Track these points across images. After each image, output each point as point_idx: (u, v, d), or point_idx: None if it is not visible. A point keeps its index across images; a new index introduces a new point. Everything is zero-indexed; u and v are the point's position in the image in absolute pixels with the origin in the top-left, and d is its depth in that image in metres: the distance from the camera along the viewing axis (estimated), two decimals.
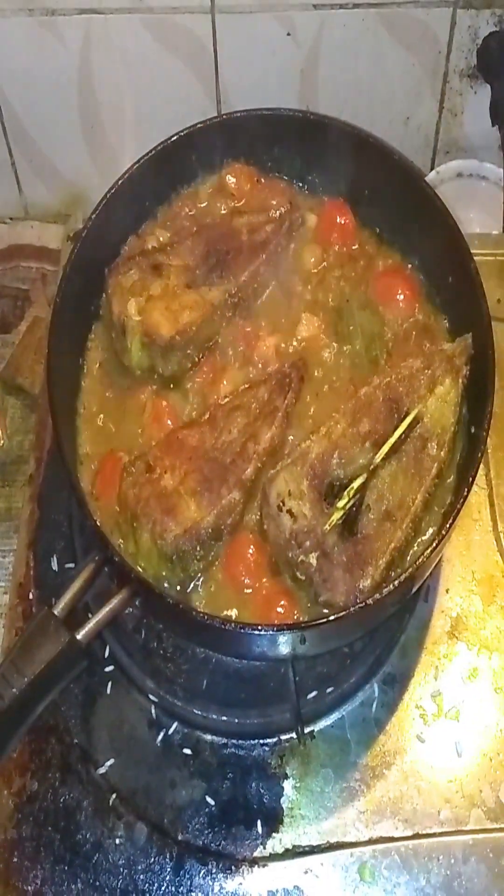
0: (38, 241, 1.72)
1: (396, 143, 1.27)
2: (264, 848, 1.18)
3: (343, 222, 1.30)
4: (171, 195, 1.31)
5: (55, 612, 1.03)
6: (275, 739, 1.23)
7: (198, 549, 1.09)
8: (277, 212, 1.26)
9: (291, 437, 1.16)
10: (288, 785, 1.21)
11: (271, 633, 1.02)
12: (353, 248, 1.29)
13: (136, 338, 1.18)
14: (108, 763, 1.23)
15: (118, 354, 1.21)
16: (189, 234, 1.25)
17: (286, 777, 1.21)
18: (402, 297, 1.24)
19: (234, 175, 1.30)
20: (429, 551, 1.05)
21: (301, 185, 1.33)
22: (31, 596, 1.33)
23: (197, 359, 1.21)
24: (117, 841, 1.19)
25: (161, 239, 1.26)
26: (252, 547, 1.12)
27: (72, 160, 1.68)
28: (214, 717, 1.24)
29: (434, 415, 1.13)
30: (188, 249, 1.23)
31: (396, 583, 1.02)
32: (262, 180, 1.31)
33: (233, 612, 1.10)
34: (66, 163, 1.69)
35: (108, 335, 1.24)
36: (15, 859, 1.19)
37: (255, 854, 1.18)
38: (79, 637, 1.02)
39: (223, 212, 1.29)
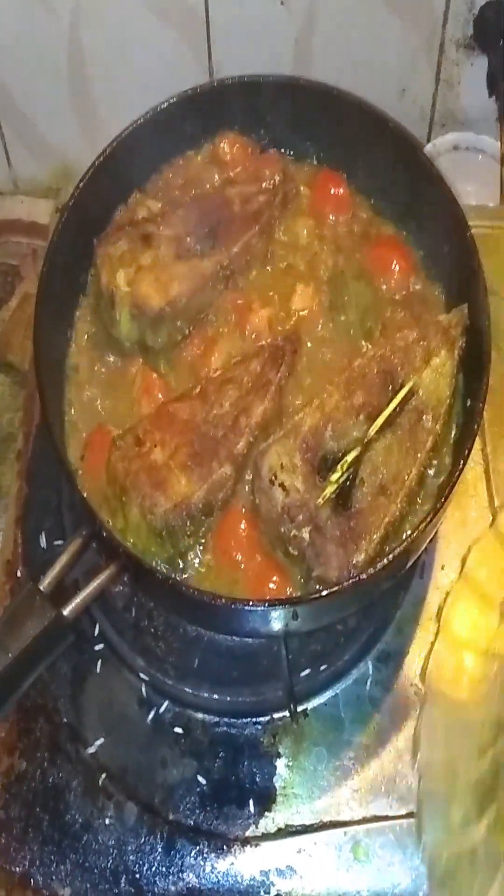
0: (27, 216, 1.70)
1: (392, 114, 1.24)
2: (256, 827, 1.17)
3: (337, 192, 1.27)
4: (162, 164, 1.28)
5: (41, 588, 1.01)
6: (267, 718, 1.21)
7: (188, 524, 1.07)
8: (271, 182, 1.24)
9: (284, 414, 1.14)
10: (281, 764, 1.20)
11: (263, 608, 1.00)
12: (348, 218, 1.26)
13: (125, 309, 1.15)
14: (98, 742, 1.21)
15: (107, 326, 1.19)
16: (180, 204, 1.22)
17: (279, 756, 1.20)
18: (396, 267, 1.22)
19: (228, 144, 1.28)
20: (423, 525, 1.03)
21: (293, 153, 1.30)
22: (18, 573, 1.31)
23: (188, 331, 1.19)
24: (107, 821, 1.17)
25: (152, 209, 1.24)
26: (244, 522, 1.10)
27: (62, 133, 1.66)
28: (206, 695, 1.22)
29: (429, 387, 1.11)
30: (179, 219, 1.20)
31: (390, 557, 1.00)
32: (256, 151, 1.29)
33: (224, 589, 1.07)
34: (56, 136, 1.66)
35: (96, 307, 1.22)
36: (2, 840, 1.17)
37: (248, 833, 1.17)
38: (65, 613, 1.00)
39: (216, 181, 1.26)
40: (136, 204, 1.26)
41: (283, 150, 1.30)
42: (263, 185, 1.24)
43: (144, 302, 1.14)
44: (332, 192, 1.28)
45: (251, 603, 1.00)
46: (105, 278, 1.16)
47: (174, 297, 1.15)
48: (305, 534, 1.05)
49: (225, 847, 1.16)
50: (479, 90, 1.59)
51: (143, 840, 1.17)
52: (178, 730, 1.21)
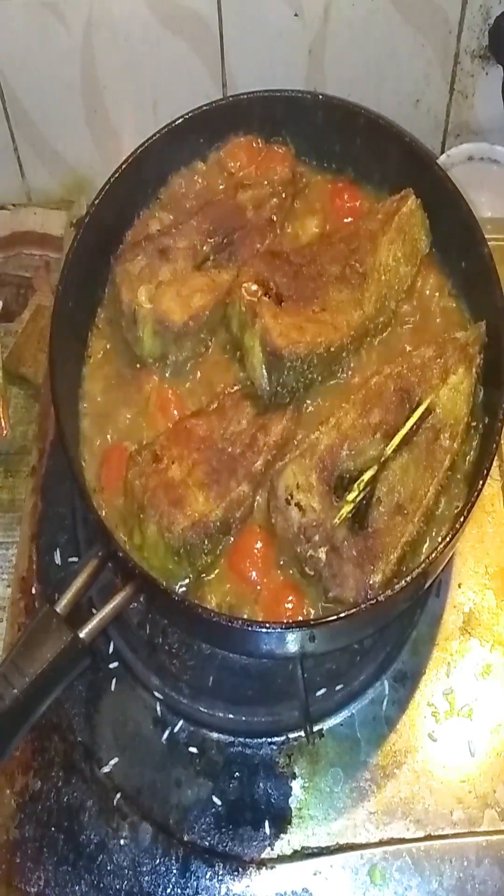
0: (41, 227, 1.70)
1: (406, 125, 1.24)
2: (272, 849, 1.16)
3: (353, 205, 1.27)
4: (171, 175, 1.27)
5: (57, 610, 1.00)
6: (283, 738, 1.20)
7: (206, 542, 1.06)
8: (280, 185, 1.23)
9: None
10: (296, 784, 1.19)
11: (279, 630, 1.00)
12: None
13: (148, 326, 1.15)
14: (113, 762, 1.20)
15: (129, 344, 1.18)
16: (192, 214, 1.22)
17: (294, 776, 1.19)
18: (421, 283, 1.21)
19: (235, 149, 1.27)
20: (441, 546, 1.02)
21: (308, 165, 1.30)
22: (33, 590, 1.30)
23: (210, 343, 1.18)
24: (122, 841, 1.17)
25: (164, 221, 1.23)
26: (260, 541, 1.09)
27: (74, 145, 1.66)
28: (221, 714, 1.21)
29: (447, 405, 1.10)
30: (193, 229, 1.20)
31: (408, 578, 0.99)
32: (262, 147, 1.28)
33: (240, 608, 1.07)
34: (68, 148, 1.66)
35: (111, 323, 1.21)
36: (18, 860, 1.17)
37: (263, 855, 1.16)
38: (81, 635, 0.99)
39: (226, 187, 1.25)
40: (148, 217, 1.26)
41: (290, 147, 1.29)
42: (275, 187, 1.23)
43: (167, 317, 1.13)
44: (348, 204, 1.27)
45: (267, 625, 1.00)
46: (126, 296, 1.15)
47: (196, 311, 1.14)
48: (322, 554, 1.04)
49: (241, 869, 1.15)
50: (493, 101, 1.58)
51: (158, 861, 1.16)
52: (193, 749, 1.20)
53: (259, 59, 1.53)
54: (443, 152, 1.65)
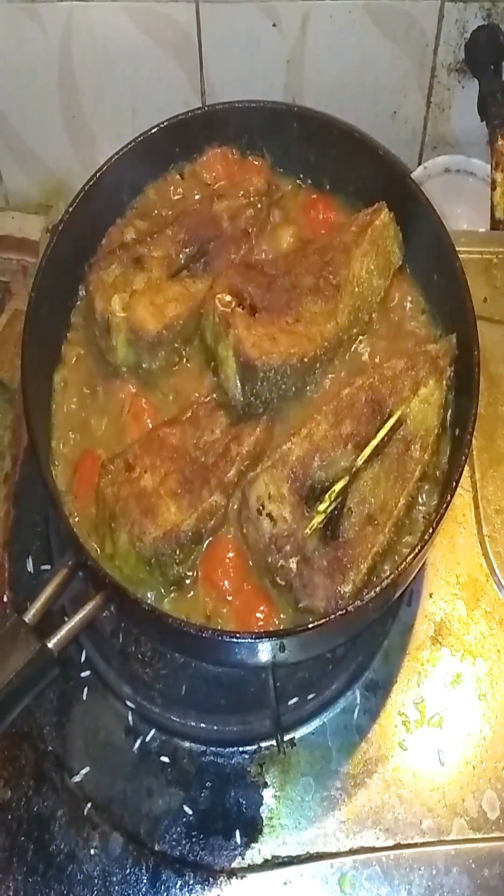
0: (18, 231, 1.70)
1: (383, 137, 1.24)
2: (243, 858, 1.16)
3: (327, 217, 1.27)
4: (147, 184, 1.27)
5: (26, 619, 0.99)
6: (254, 747, 1.20)
7: (177, 552, 1.06)
8: (255, 196, 1.23)
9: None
10: (267, 794, 1.19)
11: (250, 640, 1.00)
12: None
13: (122, 335, 1.14)
14: (84, 771, 1.20)
15: (103, 352, 1.18)
16: (167, 223, 1.22)
17: (266, 786, 1.19)
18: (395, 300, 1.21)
19: (212, 160, 1.27)
20: (412, 556, 1.02)
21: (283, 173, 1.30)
22: (5, 598, 1.30)
23: (184, 352, 1.18)
24: (92, 851, 1.16)
25: (139, 229, 1.23)
26: (231, 550, 1.09)
27: (53, 149, 1.66)
28: (193, 723, 1.21)
29: (417, 416, 1.10)
30: (168, 239, 1.19)
31: (378, 589, 0.99)
32: (237, 158, 1.28)
33: (211, 618, 1.07)
34: (47, 152, 1.66)
35: (85, 331, 1.21)
36: None
37: (234, 865, 1.16)
38: (50, 645, 0.99)
39: (202, 197, 1.26)
40: (123, 225, 1.26)
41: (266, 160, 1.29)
42: (251, 198, 1.23)
43: (141, 326, 1.13)
44: (322, 216, 1.28)
45: (238, 635, 1.00)
46: (100, 305, 1.15)
47: (170, 320, 1.14)
48: (293, 564, 1.04)
49: (211, 879, 1.15)
50: (470, 114, 1.59)
51: (128, 871, 1.15)
52: (165, 759, 1.20)
53: (238, 68, 1.54)
54: (420, 164, 1.67)
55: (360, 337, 1.19)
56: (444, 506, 1.04)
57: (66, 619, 1.03)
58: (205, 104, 1.56)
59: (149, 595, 1.07)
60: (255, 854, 1.16)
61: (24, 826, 1.18)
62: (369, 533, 1.05)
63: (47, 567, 1.30)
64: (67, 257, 1.18)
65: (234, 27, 1.48)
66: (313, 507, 1.06)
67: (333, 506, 1.06)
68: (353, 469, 1.07)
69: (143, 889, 1.15)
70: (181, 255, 1.19)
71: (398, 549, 1.08)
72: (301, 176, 1.29)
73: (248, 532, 1.07)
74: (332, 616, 0.99)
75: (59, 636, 1.00)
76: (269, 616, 1.06)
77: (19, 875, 1.15)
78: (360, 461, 1.07)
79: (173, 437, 1.12)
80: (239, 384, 1.11)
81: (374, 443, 1.08)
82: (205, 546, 1.09)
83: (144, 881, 1.15)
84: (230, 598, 1.08)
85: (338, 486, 1.06)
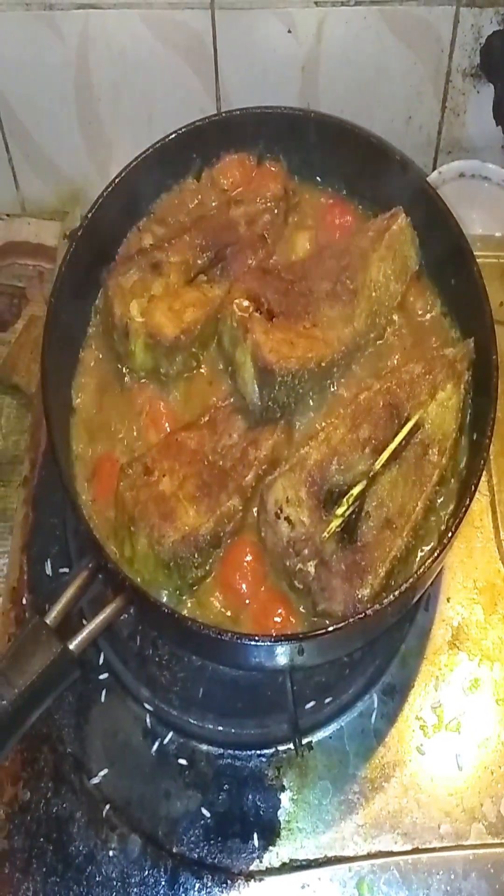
0: (35, 238, 1.70)
1: (398, 142, 1.25)
2: (261, 862, 1.16)
3: (343, 221, 1.28)
4: (164, 189, 1.28)
5: (47, 622, 1.00)
6: (272, 750, 1.21)
7: (196, 556, 1.07)
8: (272, 202, 1.24)
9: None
10: (285, 797, 1.19)
11: (268, 643, 1.00)
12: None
13: (140, 340, 1.15)
14: (102, 773, 1.20)
15: (121, 357, 1.19)
16: (185, 229, 1.23)
17: (283, 789, 1.19)
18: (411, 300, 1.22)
19: (228, 166, 1.28)
20: (430, 560, 1.03)
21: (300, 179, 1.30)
22: (24, 601, 1.31)
23: (201, 357, 1.18)
24: (111, 853, 1.17)
25: (157, 234, 1.24)
26: (249, 554, 1.10)
27: (69, 156, 1.66)
28: (210, 726, 1.21)
29: (435, 421, 1.11)
30: (186, 244, 1.20)
31: (397, 593, 1.00)
32: (254, 165, 1.29)
33: (229, 621, 1.07)
34: (63, 159, 1.67)
35: (104, 335, 1.22)
36: (6, 871, 1.17)
37: (252, 868, 1.16)
38: (71, 647, 1.00)
39: (219, 202, 1.26)
40: (141, 231, 1.27)
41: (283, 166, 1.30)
42: (268, 204, 1.24)
43: (159, 331, 1.14)
44: (339, 221, 1.28)
45: (256, 638, 1.00)
46: (118, 310, 1.16)
47: (188, 325, 1.15)
48: (311, 567, 1.05)
49: (229, 881, 1.15)
50: (485, 119, 1.59)
51: (146, 873, 1.16)
52: (183, 761, 1.20)
53: (253, 74, 1.54)
54: (434, 169, 1.66)
55: (378, 341, 1.19)
56: (463, 510, 1.04)
57: (84, 621, 1.04)
58: (220, 110, 1.57)
59: (167, 598, 1.08)
60: (273, 857, 1.16)
61: (43, 827, 1.18)
62: (387, 537, 1.06)
63: (66, 570, 1.31)
64: (86, 263, 1.19)
65: (250, 34, 1.49)
66: (331, 510, 1.06)
67: (351, 510, 1.06)
68: (371, 473, 1.07)
69: (162, 891, 1.15)
70: (199, 261, 1.20)
71: (416, 553, 1.09)
72: (317, 181, 1.30)
73: (267, 536, 1.08)
74: (351, 620, 0.99)
75: (79, 638, 1.01)
76: (287, 619, 1.06)
77: (38, 876, 1.16)
78: (377, 465, 1.08)
79: (191, 442, 1.13)
80: (257, 389, 1.11)
81: (391, 447, 1.08)
82: (223, 549, 1.09)
83: (163, 883, 1.15)
84: (248, 602, 1.08)
85: (355, 490, 1.06)
